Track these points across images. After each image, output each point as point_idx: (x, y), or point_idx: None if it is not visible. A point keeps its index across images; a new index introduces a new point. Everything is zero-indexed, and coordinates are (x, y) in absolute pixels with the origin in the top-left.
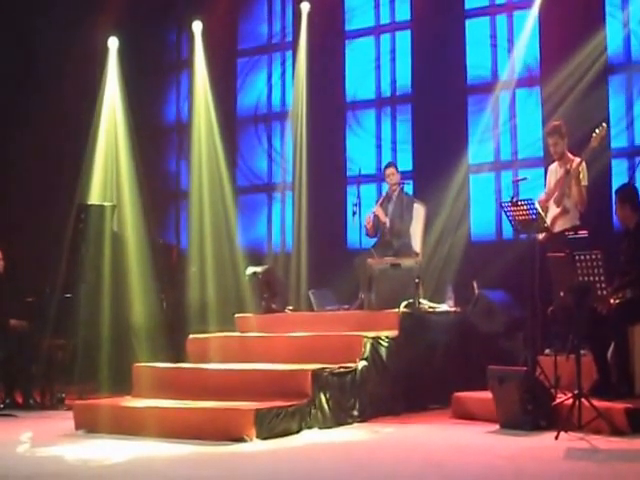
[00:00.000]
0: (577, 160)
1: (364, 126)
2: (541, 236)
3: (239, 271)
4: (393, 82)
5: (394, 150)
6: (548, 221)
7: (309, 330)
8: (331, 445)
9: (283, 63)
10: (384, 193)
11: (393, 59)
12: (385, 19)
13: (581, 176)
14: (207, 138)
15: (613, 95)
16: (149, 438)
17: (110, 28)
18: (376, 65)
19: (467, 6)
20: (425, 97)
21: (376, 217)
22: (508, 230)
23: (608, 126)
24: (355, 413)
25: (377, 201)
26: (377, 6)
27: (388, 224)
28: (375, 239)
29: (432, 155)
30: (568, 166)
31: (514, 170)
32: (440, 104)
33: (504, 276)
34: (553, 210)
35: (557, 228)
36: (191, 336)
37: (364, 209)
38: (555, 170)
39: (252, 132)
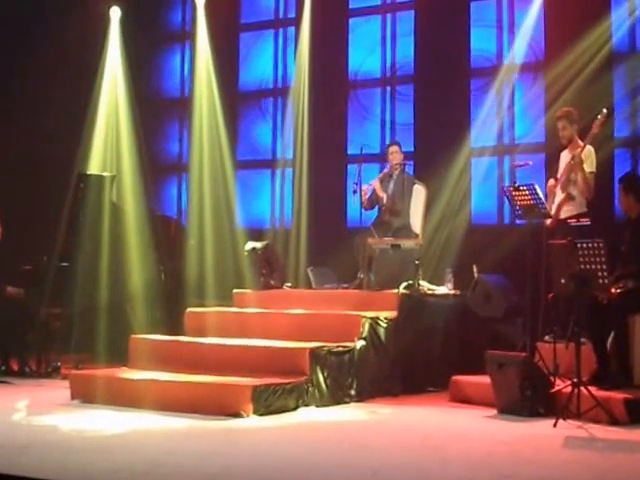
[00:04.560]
0: (585, 147)
1: (366, 105)
2: (548, 222)
3: (238, 246)
4: (396, 62)
5: (396, 131)
6: (554, 207)
7: (307, 308)
8: (328, 424)
9: (286, 39)
10: (385, 170)
11: (397, 39)
12: None
13: (588, 163)
14: (208, 111)
15: (618, 83)
16: (145, 410)
17: None
18: (379, 44)
19: None
20: (428, 78)
21: (373, 190)
22: (510, 215)
23: (610, 113)
24: (352, 392)
25: (378, 175)
26: None
27: (385, 200)
28: (372, 214)
29: (434, 137)
30: (576, 153)
31: (516, 155)
32: (443, 86)
33: (504, 261)
34: (559, 196)
35: (562, 215)
36: (189, 309)
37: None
38: (565, 156)
39: (253, 107)
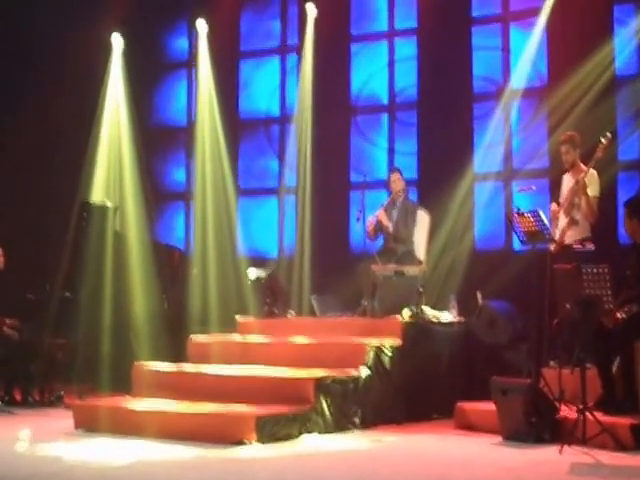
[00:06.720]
0: (589, 171)
1: (369, 132)
2: (552, 247)
3: (241, 273)
4: (399, 88)
5: (399, 157)
6: (557, 232)
7: (311, 335)
8: (332, 452)
9: (289, 65)
10: (389, 198)
11: (399, 65)
12: (392, 25)
13: (591, 187)
14: (211, 139)
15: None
16: (149, 439)
17: (113, 24)
18: (382, 71)
19: (473, 13)
20: (431, 104)
21: (379, 221)
22: (514, 240)
23: (614, 137)
24: (357, 420)
25: (381, 205)
26: (384, 11)
27: (391, 229)
28: (377, 243)
29: (437, 163)
30: (579, 177)
31: (519, 180)
32: (446, 111)
33: (508, 287)
34: (562, 221)
35: (566, 240)
36: (192, 338)
37: (367, 215)
38: (568, 180)
39: (256, 135)
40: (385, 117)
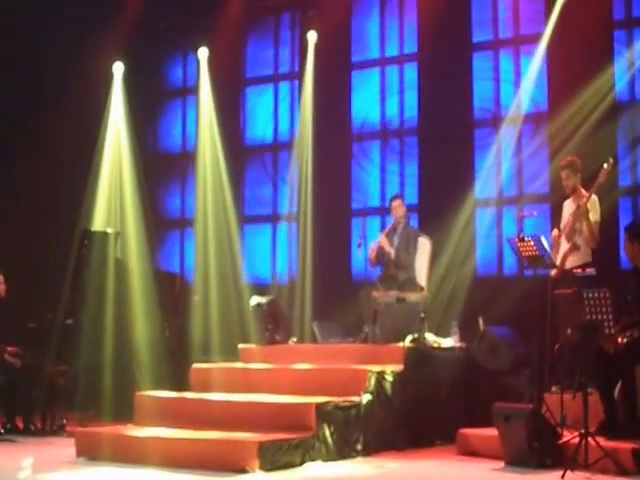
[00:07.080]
0: (590, 196)
1: (370, 158)
2: (553, 272)
3: (243, 301)
4: (400, 114)
5: (400, 183)
6: (559, 257)
7: (313, 362)
8: (335, 479)
9: (290, 92)
10: (390, 225)
11: (400, 91)
12: (392, 51)
13: (593, 212)
14: (212, 166)
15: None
16: (151, 467)
17: (115, 52)
18: (382, 97)
19: (474, 40)
20: (432, 130)
21: (380, 247)
22: (515, 266)
23: (615, 162)
24: (359, 447)
25: (383, 231)
26: (384, 38)
27: (393, 256)
28: (379, 270)
29: (438, 189)
30: (581, 202)
31: (520, 206)
32: (447, 137)
33: (510, 312)
34: (564, 246)
35: (568, 265)
36: (194, 365)
37: (369, 242)
38: (569, 206)
39: (260, 161)
40: (386, 143)
